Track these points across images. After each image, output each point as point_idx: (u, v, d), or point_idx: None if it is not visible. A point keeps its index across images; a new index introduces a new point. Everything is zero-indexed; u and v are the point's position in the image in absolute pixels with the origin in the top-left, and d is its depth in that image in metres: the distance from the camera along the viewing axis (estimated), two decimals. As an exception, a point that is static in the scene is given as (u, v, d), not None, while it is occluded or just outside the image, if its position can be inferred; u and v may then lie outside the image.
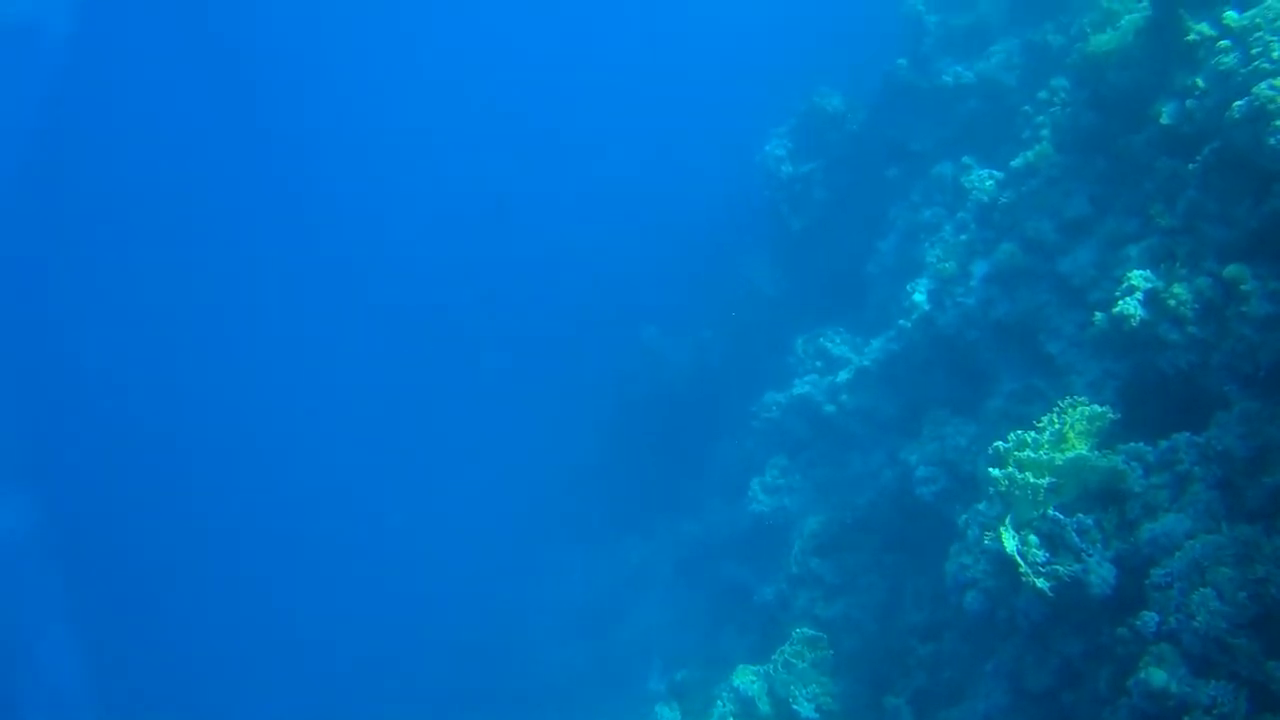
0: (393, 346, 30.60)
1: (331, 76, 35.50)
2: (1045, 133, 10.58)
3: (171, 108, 31.93)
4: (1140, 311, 7.85)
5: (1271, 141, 6.97)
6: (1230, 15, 7.88)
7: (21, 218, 25.98)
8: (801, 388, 14.45)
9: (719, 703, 12.19)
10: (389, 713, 21.63)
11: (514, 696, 20.12)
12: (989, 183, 11.39)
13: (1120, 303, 8.00)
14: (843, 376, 13.55)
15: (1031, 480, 7.51)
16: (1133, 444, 7.52)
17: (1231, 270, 7.28)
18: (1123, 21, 9.46)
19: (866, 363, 13.16)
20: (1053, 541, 7.53)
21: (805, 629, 11.88)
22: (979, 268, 11.08)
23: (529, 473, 23.69)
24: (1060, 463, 7.55)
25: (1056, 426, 7.75)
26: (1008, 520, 7.72)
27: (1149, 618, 6.50)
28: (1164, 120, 8.54)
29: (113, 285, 29.97)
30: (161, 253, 31.07)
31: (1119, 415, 7.71)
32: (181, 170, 32.16)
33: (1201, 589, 6.24)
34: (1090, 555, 7.28)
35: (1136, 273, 8.11)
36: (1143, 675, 6.24)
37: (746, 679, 11.93)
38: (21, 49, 24.28)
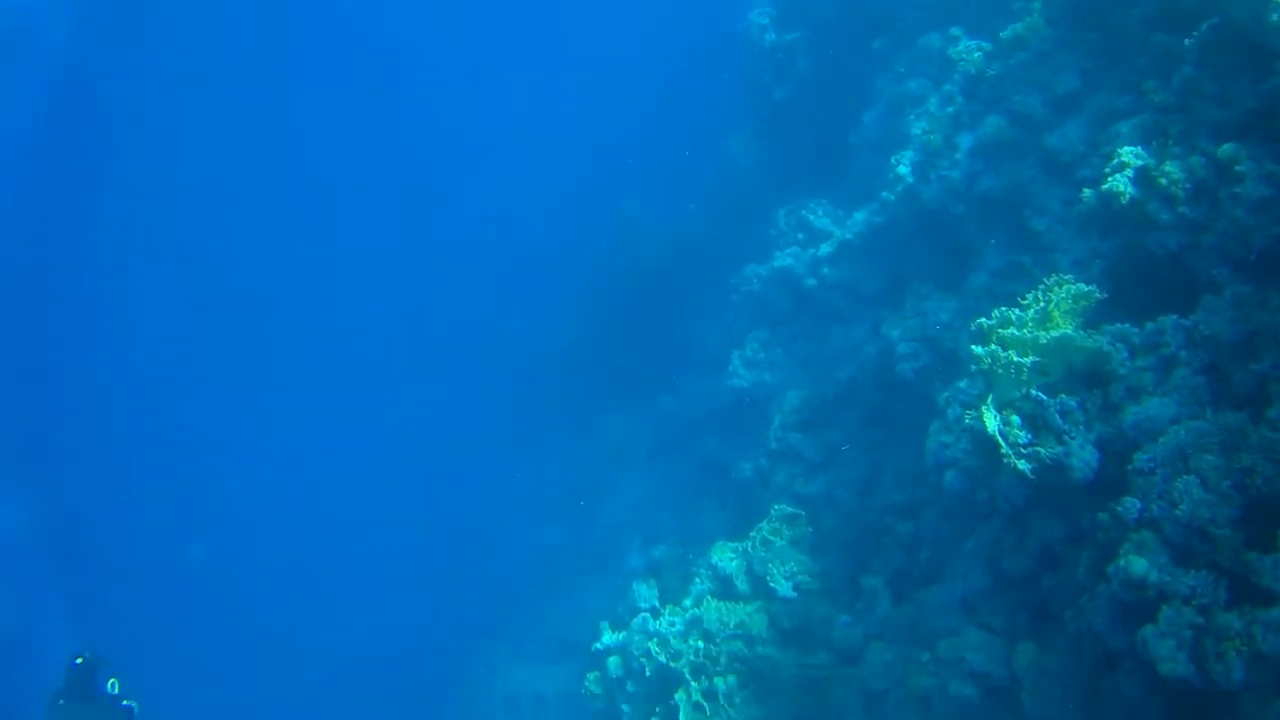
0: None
1: (330, 74, 34.64)
2: (1036, 5, 10.11)
3: (171, 109, 31.06)
4: (1130, 189, 7.52)
5: (1274, 18, 6.57)
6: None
7: (20, 219, 25.14)
8: (783, 260, 14.10)
9: (696, 580, 12.16)
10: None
11: (496, 583, 20.28)
12: (977, 54, 10.92)
13: (1110, 179, 7.67)
14: (824, 249, 13.19)
15: (1015, 359, 7.26)
16: (1119, 325, 7.26)
17: (1226, 150, 6.94)
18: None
19: (849, 236, 12.81)
20: (1035, 422, 7.31)
21: (784, 506, 11.79)
22: (965, 141, 10.71)
23: (505, 359, 23.54)
24: (1044, 342, 7.29)
25: (1041, 304, 7.47)
26: (989, 399, 7.49)
27: (1130, 504, 6.30)
28: (1161, -7, 8.16)
29: (113, 286, 29.36)
30: (161, 254, 30.38)
31: (1106, 295, 7.43)
32: (180, 173, 31.33)
33: (1185, 476, 6.03)
34: (1073, 438, 7.08)
35: (1127, 149, 7.77)
36: (1123, 563, 6.06)
37: (724, 556, 11.86)
38: (21, 50, 23.38)
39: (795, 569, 11.23)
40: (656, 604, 13.06)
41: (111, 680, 10.45)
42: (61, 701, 10.42)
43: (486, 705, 17.83)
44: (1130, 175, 7.56)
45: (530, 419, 21.63)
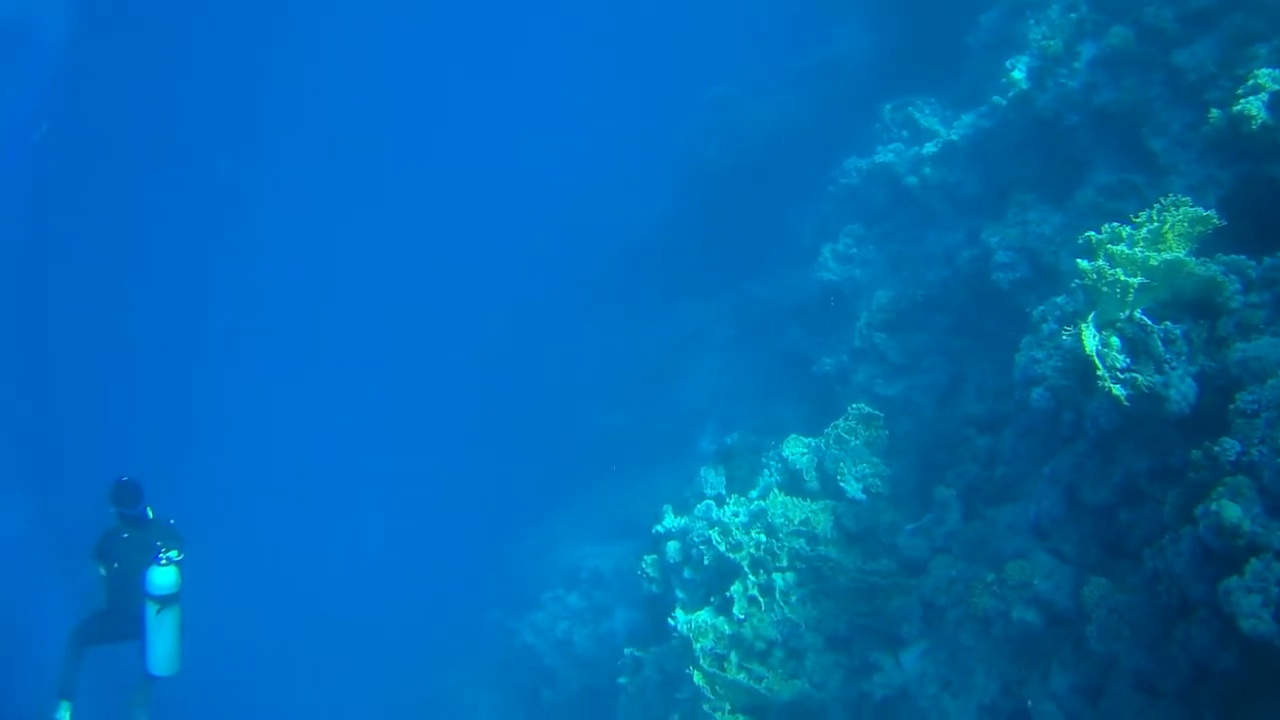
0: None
1: (330, 78, 33.78)
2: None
3: (172, 111, 30.40)
4: (1263, 114, 7.02)
5: None
6: None
7: (21, 220, 24.69)
8: (884, 156, 13.66)
9: (766, 471, 11.97)
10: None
11: (567, 458, 20.29)
12: (1109, -40, 10.29)
13: (1241, 102, 7.16)
14: (928, 148, 12.74)
15: (1122, 277, 6.87)
16: (1235, 256, 6.82)
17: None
18: None
19: (955, 137, 12.33)
20: (1135, 346, 6.96)
21: (862, 405, 11.53)
22: (1087, 49, 10.17)
23: (592, 243, 23.22)
24: (1155, 263, 6.89)
25: (1155, 225, 7.04)
26: (1090, 318, 7.14)
27: (1229, 445, 5.94)
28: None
29: (115, 288, 28.94)
30: (162, 257, 29.85)
31: (1224, 223, 6.98)
32: (181, 175, 30.72)
33: (1293, 422, 5.68)
34: (1173, 368, 6.72)
35: (1264, 71, 7.24)
36: (1214, 506, 5.72)
37: (796, 450, 11.65)
38: (20, 51, 22.85)
39: (867, 471, 11.02)
40: (723, 492, 12.91)
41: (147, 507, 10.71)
42: (125, 535, 10.60)
43: (544, 576, 17.98)
44: (1265, 99, 7.06)
45: (614, 301, 21.42)
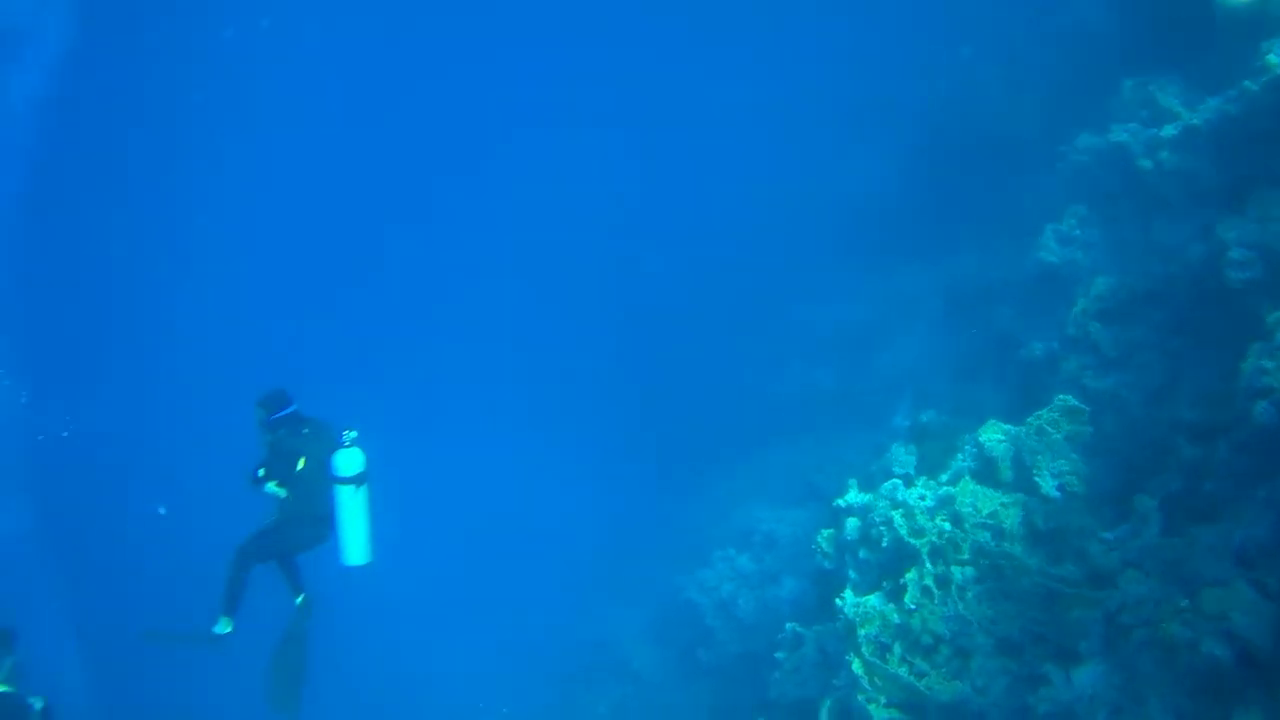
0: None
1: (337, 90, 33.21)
2: None
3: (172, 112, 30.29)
4: None
5: None
6: None
7: (22, 220, 24.88)
8: (1120, 135, 12.75)
9: (959, 456, 11.40)
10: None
11: (756, 416, 19.97)
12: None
13: None
14: (1168, 131, 11.80)
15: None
16: None
17: None
18: None
19: (1197, 121, 11.37)
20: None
21: (1068, 398, 10.82)
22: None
23: (804, 197, 22.62)
24: None
25: None
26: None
27: None
28: None
29: (117, 287, 29.02)
30: (165, 257, 29.78)
31: None
32: (184, 176, 30.58)
33: None
34: None
35: None
36: None
37: (994, 437, 11.04)
38: (19, 51, 22.97)
39: (1065, 468, 10.35)
40: (911, 472, 12.45)
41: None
42: (305, 430, 10.81)
43: (718, 534, 17.82)
44: None
45: (825, 259, 20.87)
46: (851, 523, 11.50)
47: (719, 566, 16.91)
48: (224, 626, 11.00)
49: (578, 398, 25.56)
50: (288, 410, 10.81)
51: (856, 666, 9.45)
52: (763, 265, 22.87)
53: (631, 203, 27.80)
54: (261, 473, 10.74)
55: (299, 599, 11.52)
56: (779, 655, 11.52)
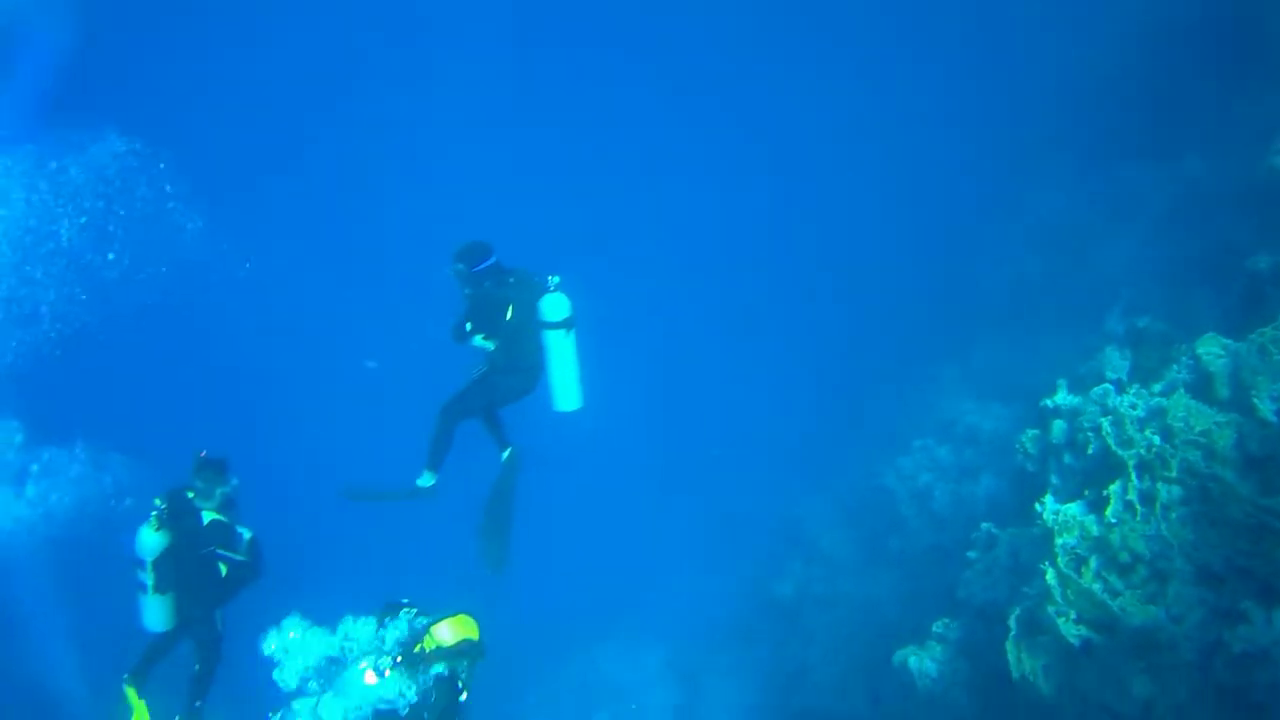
0: None
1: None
2: None
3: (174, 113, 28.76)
4: None
5: None
6: None
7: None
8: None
9: (1174, 366, 10.99)
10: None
11: (961, 307, 19.50)
12: None
13: None
14: None
15: None
16: None
17: None
18: None
19: None
20: None
21: (1296, 317, 10.32)
22: None
23: (1027, 82, 21.57)
24: None
25: None
26: None
27: None
28: None
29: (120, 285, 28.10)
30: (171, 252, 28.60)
31: None
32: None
33: None
34: None
35: None
36: None
37: (1212, 350, 10.61)
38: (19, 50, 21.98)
39: (1285, 391, 9.92)
40: (1124, 378, 12.07)
41: None
42: (511, 279, 10.91)
43: (919, 423, 17.64)
44: None
45: (1047, 149, 20.03)
46: (1058, 425, 11.31)
47: (918, 456, 16.82)
48: (427, 480, 11.34)
49: (786, 284, 25.36)
50: (489, 261, 10.79)
51: (1050, 577, 9.34)
52: (978, 149, 22.11)
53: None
54: (469, 326, 10.83)
55: (506, 453, 11.79)
56: (971, 555, 11.47)
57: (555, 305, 10.80)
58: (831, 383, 21.75)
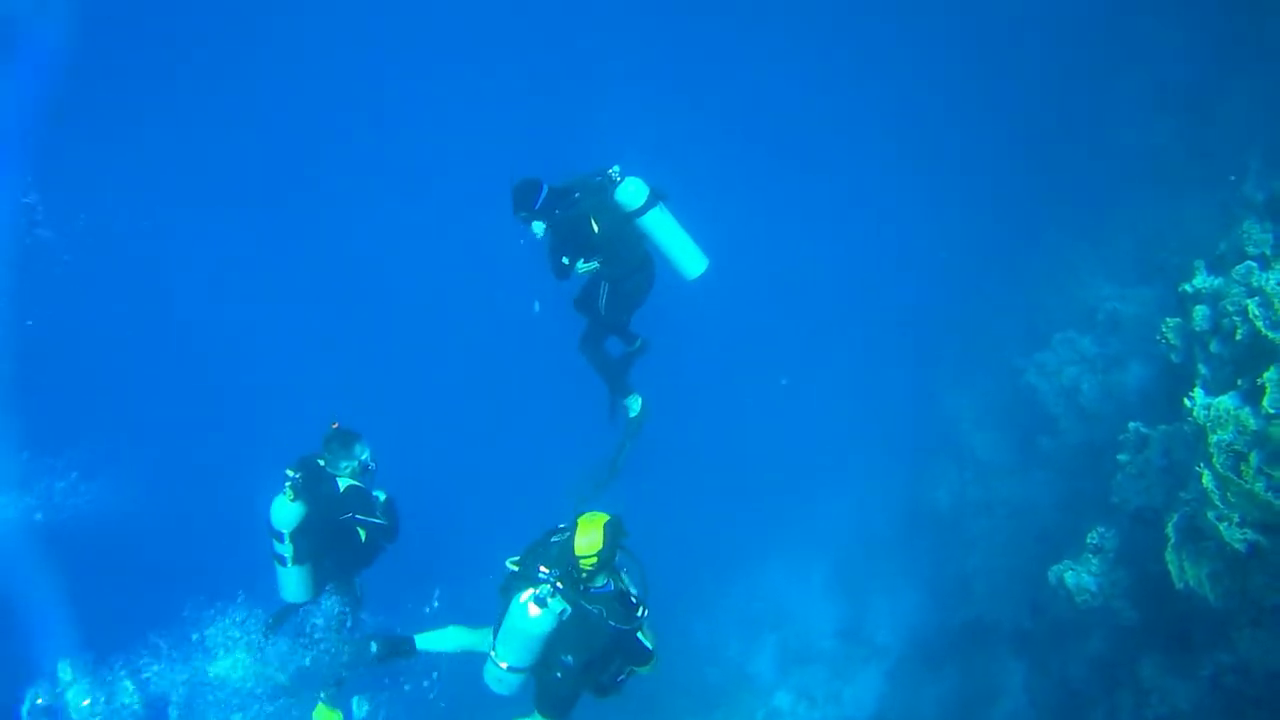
0: None
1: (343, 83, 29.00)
2: None
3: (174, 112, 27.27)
4: None
5: None
6: None
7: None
8: None
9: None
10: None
11: (1089, 180, 18.45)
12: None
13: None
14: None
15: None
16: None
17: None
18: None
19: None
20: None
21: None
22: None
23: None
24: None
25: None
26: None
27: None
28: None
29: (118, 283, 26.83)
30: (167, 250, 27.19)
31: None
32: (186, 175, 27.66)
33: None
34: None
35: None
36: None
37: (1366, 211, 9.73)
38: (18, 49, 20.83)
39: None
40: (1268, 252, 11.12)
41: None
42: (576, 194, 10.59)
43: (1057, 313, 16.82)
44: None
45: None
46: (1200, 311, 10.49)
47: (1060, 350, 15.99)
48: (634, 404, 11.23)
49: (910, 175, 24.46)
50: (544, 191, 10.45)
51: (1207, 479, 8.67)
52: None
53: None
54: (565, 260, 10.57)
55: (635, 402, 11.51)
56: (1121, 457, 10.79)
57: (631, 192, 10.46)
58: (969, 278, 20.86)
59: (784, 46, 27.78)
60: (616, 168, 10.50)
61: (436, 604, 12.00)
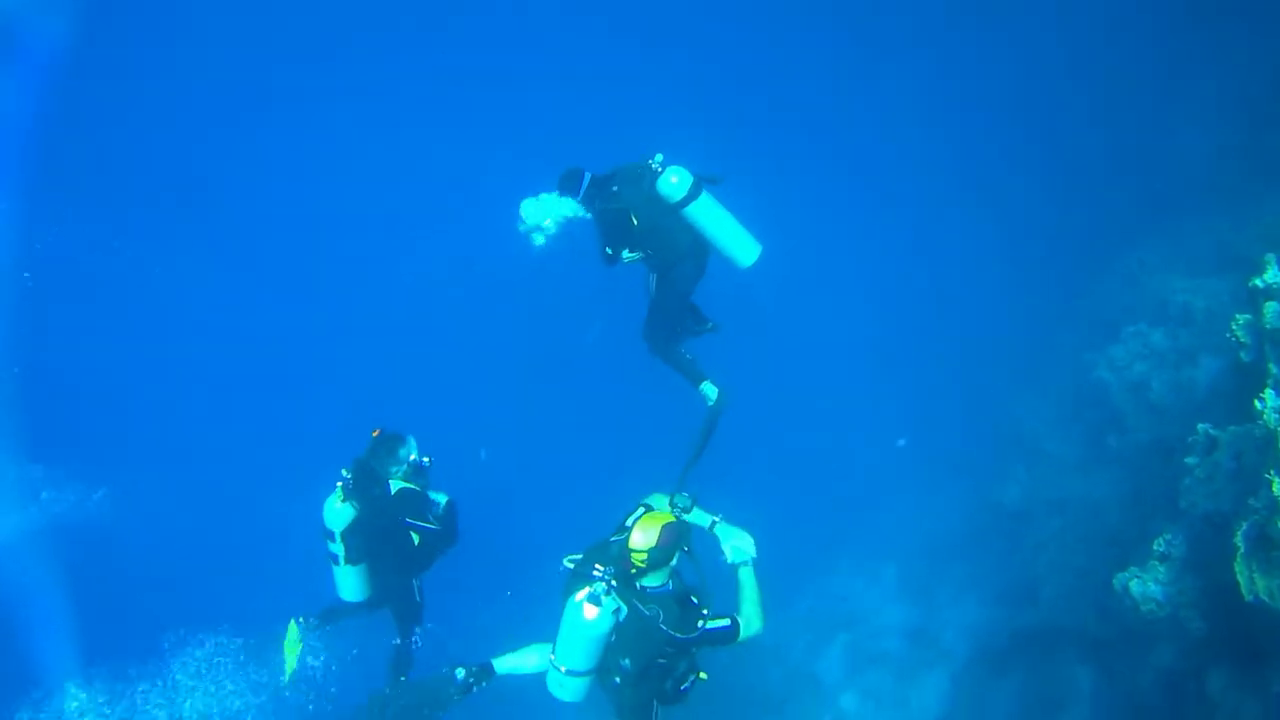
0: None
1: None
2: None
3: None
4: None
5: None
6: None
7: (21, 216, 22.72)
8: None
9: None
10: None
11: (1167, 179, 17.93)
12: None
13: None
14: None
15: None
16: None
17: None
18: None
19: None
20: None
21: None
22: None
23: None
24: None
25: None
26: None
27: None
28: None
29: (117, 285, 26.37)
30: (165, 253, 26.65)
31: None
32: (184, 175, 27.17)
33: None
34: None
35: None
36: None
37: None
38: (18, 48, 20.59)
39: None
40: (1342, 243, 10.64)
41: None
42: (615, 187, 10.42)
43: (1129, 306, 16.34)
44: None
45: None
46: (1271, 307, 10.05)
47: (1130, 343, 15.51)
48: (710, 390, 11.01)
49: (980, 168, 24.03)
50: (585, 181, 10.39)
51: (1277, 487, 8.26)
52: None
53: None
54: (609, 250, 10.40)
55: (712, 391, 11.24)
56: (1189, 460, 10.32)
57: (674, 184, 10.19)
58: (1032, 271, 20.42)
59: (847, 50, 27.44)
60: (659, 156, 10.25)
61: (510, 593, 11.92)
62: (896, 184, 26.21)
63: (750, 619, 8.16)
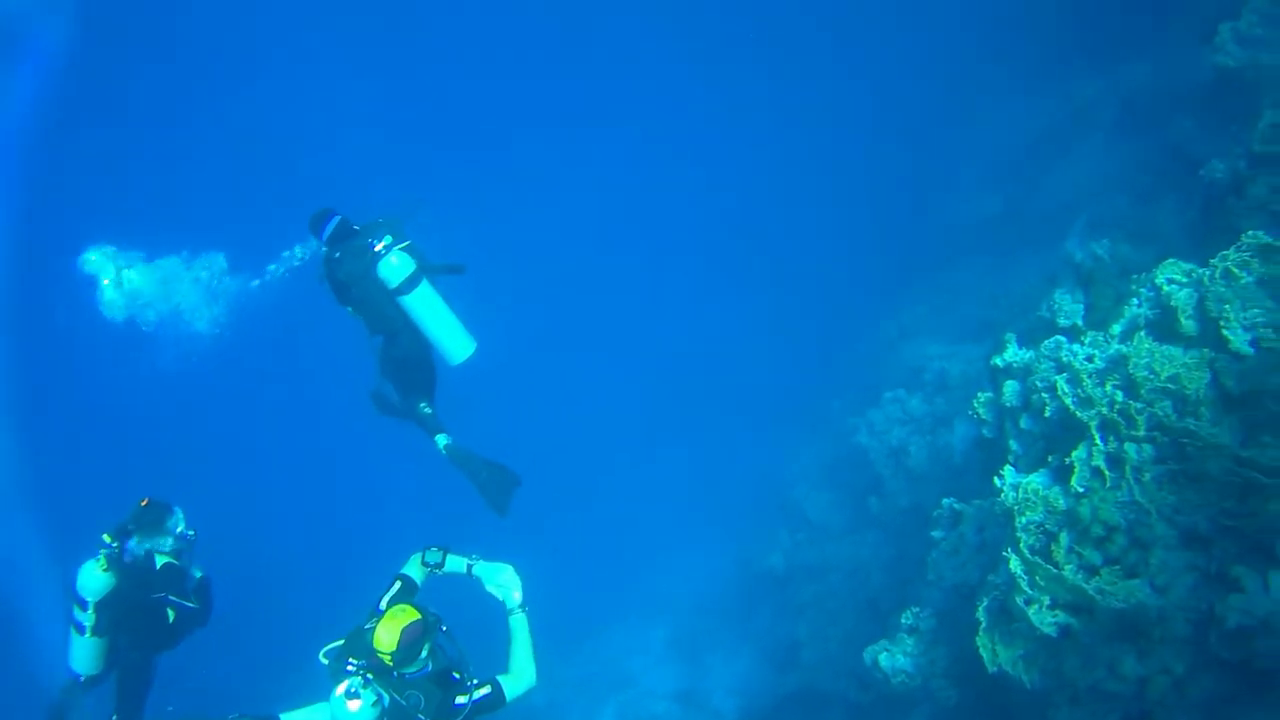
0: None
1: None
2: None
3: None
4: None
5: None
6: None
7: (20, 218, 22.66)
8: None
9: (1134, 300, 9.97)
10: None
11: (923, 245, 18.61)
12: None
13: None
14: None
15: None
16: None
17: None
18: None
19: None
20: None
21: (1259, 234, 9.23)
22: None
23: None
24: None
25: None
26: None
27: None
28: None
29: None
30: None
31: None
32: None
33: None
34: None
35: None
36: None
37: (1173, 277, 9.58)
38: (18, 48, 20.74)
39: (1259, 318, 8.82)
40: (1079, 323, 11.01)
41: None
42: (338, 254, 9.93)
43: (888, 372, 16.80)
44: None
45: (989, 70, 19.04)
46: (1010, 387, 10.30)
47: (889, 408, 15.92)
48: (441, 438, 10.42)
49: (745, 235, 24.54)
50: (333, 223, 9.90)
51: (1015, 565, 8.42)
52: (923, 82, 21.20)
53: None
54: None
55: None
56: (935, 534, 10.54)
57: (393, 267, 9.63)
58: (800, 336, 20.90)
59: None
60: (389, 238, 9.76)
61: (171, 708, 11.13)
62: (672, 246, 26.55)
63: (521, 672, 7.78)
